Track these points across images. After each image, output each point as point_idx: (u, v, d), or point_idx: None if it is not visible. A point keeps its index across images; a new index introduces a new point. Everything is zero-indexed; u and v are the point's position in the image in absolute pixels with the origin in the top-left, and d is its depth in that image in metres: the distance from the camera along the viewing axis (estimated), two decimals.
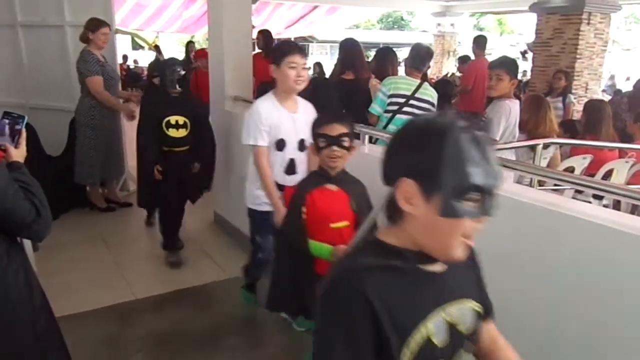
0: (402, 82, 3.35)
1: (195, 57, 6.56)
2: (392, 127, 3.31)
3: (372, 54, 9.27)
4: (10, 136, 1.55)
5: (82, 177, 4.55)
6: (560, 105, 5.94)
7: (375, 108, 3.40)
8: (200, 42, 18.19)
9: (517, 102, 3.43)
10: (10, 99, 5.27)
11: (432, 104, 3.28)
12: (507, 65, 3.35)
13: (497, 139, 3.30)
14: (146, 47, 16.42)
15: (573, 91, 7.00)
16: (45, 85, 5.10)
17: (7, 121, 1.56)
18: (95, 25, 4.33)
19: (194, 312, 3.04)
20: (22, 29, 5.04)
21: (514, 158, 3.28)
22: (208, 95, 4.90)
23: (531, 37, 8.92)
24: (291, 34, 14.19)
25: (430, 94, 3.31)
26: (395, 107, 3.29)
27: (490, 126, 3.30)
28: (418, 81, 3.29)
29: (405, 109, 3.27)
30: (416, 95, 3.26)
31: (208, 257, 3.77)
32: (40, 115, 5.05)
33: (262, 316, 2.98)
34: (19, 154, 1.56)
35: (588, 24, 7.59)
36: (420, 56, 3.38)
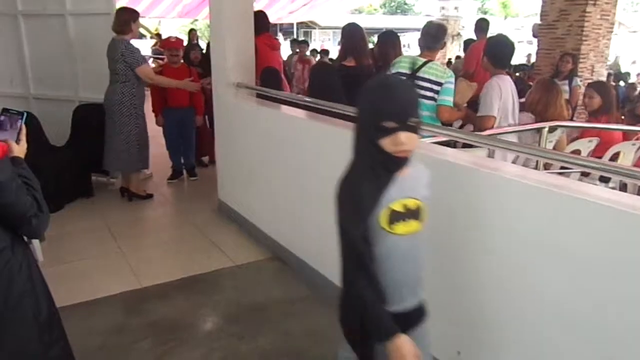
0: (405, 60, 3.31)
1: (162, 47, 6.27)
2: None
3: (374, 39, 9.24)
4: (10, 132, 1.57)
5: (133, 165, 4.54)
6: (566, 88, 5.89)
7: None
8: (202, 30, 18.10)
9: (504, 77, 3.43)
10: (13, 90, 5.27)
11: (437, 83, 3.19)
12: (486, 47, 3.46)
13: (494, 115, 3.32)
14: (148, 35, 16.37)
15: (579, 74, 6.93)
16: (48, 75, 5.10)
17: (6, 118, 1.57)
18: (136, 15, 4.36)
19: (201, 300, 3.05)
20: (23, 18, 5.02)
21: (515, 140, 3.27)
22: (176, 97, 4.93)
23: (536, 20, 8.82)
24: (293, 19, 14.10)
25: (434, 72, 3.21)
26: None
27: (485, 106, 3.35)
28: (423, 60, 3.23)
29: None
30: (418, 74, 3.20)
31: (213, 245, 3.78)
32: (43, 105, 5.07)
33: (269, 303, 2.99)
34: (19, 149, 1.57)
35: (594, 4, 7.49)
36: (431, 34, 3.31)
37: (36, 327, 1.61)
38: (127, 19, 4.28)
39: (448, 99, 3.21)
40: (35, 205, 1.51)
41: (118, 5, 4.87)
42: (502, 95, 3.38)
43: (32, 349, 1.60)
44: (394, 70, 3.31)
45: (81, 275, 3.28)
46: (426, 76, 3.19)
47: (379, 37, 4.47)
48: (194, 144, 5.35)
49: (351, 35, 3.97)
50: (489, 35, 6.27)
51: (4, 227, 1.51)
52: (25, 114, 1.61)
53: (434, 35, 3.30)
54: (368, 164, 1.41)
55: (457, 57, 11.18)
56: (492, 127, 3.40)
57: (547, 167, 3.26)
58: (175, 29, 21.15)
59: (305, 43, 10.55)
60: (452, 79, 3.22)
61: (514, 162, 3.09)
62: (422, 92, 3.18)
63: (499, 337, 2.01)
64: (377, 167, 1.40)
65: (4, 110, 1.58)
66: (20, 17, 5.01)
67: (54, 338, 1.70)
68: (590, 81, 6.37)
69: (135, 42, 4.45)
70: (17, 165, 1.53)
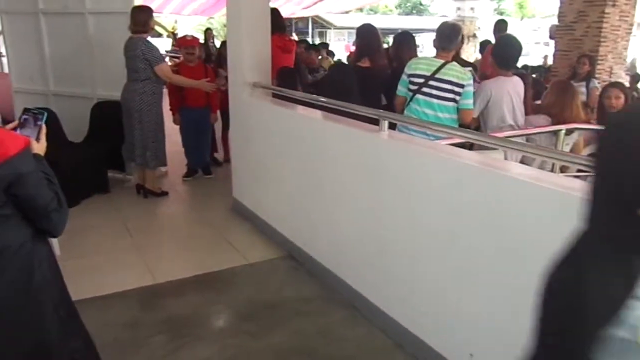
0: (423, 62, 3.29)
1: (178, 46, 6.21)
2: (412, 107, 3.28)
3: (390, 39, 9.17)
4: (32, 130, 1.61)
5: (151, 162, 4.57)
6: (583, 90, 5.82)
7: (399, 88, 3.40)
8: (218, 29, 18.20)
9: (504, 79, 3.49)
10: (33, 86, 5.36)
11: (458, 84, 3.17)
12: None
13: (474, 116, 3.45)
14: (165, 34, 16.48)
15: (597, 76, 6.85)
16: (67, 72, 5.17)
17: (29, 117, 1.61)
18: (151, 12, 4.43)
19: (214, 297, 3.07)
20: (44, 17, 5.09)
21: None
22: (193, 96, 4.96)
23: (553, 21, 8.73)
24: (306, 13, 14.10)
25: (455, 74, 3.19)
26: (415, 87, 3.25)
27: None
28: (441, 62, 3.22)
29: (425, 89, 3.21)
30: (437, 75, 3.19)
31: (227, 243, 3.81)
32: (62, 102, 5.14)
33: (282, 302, 3.00)
34: (40, 147, 1.60)
35: (613, 5, 7.39)
36: (446, 35, 3.30)
37: (57, 318, 1.64)
38: (145, 19, 4.32)
39: (471, 102, 3.22)
40: (55, 200, 1.54)
41: (136, 1, 4.91)
42: (491, 99, 3.45)
43: (53, 339, 1.63)
44: (410, 73, 3.30)
45: (97, 270, 3.32)
46: (447, 78, 3.16)
47: (394, 37, 4.46)
48: (209, 143, 5.39)
49: (366, 35, 3.97)
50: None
51: (25, 221, 1.54)
52: (45, 114, 1.64)
53: (448, 36, 3.28)
54: (614, 244, 0.92)
55: (476, 60, 11.10)
56: (472, 120, 3.49)
57: (563, 170, 3.24)
58: (191, 27, 21.30)
59: (324, 45, 10.24)
60: (472, 81, 3.22)
61: (523, 162, 3.07)
62: (444, 94, 3.17)
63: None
64: (632, 249, 0.90)
65: (25, 110, 1.62)
66: (41, 16, 5.09)
67: (74, 329, 1.73)
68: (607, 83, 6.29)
69: (152, 41, 4.49)
70: (37, 162, 1.56)
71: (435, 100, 3.18)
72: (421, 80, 3.21)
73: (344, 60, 9.49)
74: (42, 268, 1.60)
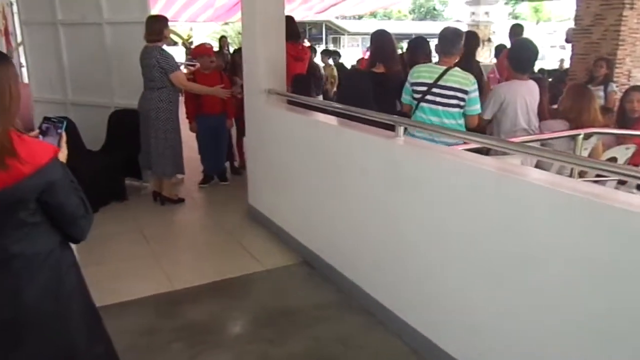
0: (424, 70, 3.28)
1: (194, 55, 6.15)
2: (418, 115, 3.27)
3: (404, 45, 9.11)
4: (52, 138, 1.62)
5: (168, 171, 4.61)
6: (601, 94, 5.75)
7: (404, 96, 3.41)
8: (233, 37, 18.36)
9: (517, 82, 3.50)
10: (52, 96, 5.45)
11: (462, 90, 3.14)
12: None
13: (487, 118, 3.51)
14: (180, 42, 16.67)
15: (614, 79, 6.76)
16: (85, 82, 5.25)
17: (50, 125, 1.63)
18: (167, 21, 4.47)
19: (231, 304, 3.08)
20: (62, 27, 5.19)
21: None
22: (210, 103, 4.97)
23: (570, 24, 8.65)
24: (319, 17, 14.17)
25: (457, 80, 3.16)
26: (418, 96, 3.25)
27: (484, 107, 3.45)
28: (443, 68, 3.20)
29: (428, 97, 3.20)
30: (439, 82, 3.17)
31: (244, 249, 3.82)
32: (80, 111, 5.22)
33: (298, 308, 3.00)
34: (61, 155, 1.62)
35: (631, 8, 7.30)
36: (448, 39, 3.27)
37: (84, 323, 1.67)
38: (160, 28, 4.36)
39: (477, 108, 3.19)
40: (82, 206, 1.58)
41: (152, 10, 4.97)
42: (504, 102, 3.45)
43: (80, 344, 1.66)
44: (412, 81, 3.29)
45: (115, 277, 3.35)
46: (449, 84, 3.14)
47: (409, 43, 4.46)
48: (225, 150, 5.42)
49: (380, 41, 3.97)
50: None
51: (54, 228, 1.56)
52: (65, 122, 1.66)
53: (450, 40, 3.26)
54: None
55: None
56: (478, 125, 3.49)
57: (582, 175, 3.20)
58: (206, 35, 21.52)
59: (337, 54, 10.09)
60: (476, 86, 3.18)
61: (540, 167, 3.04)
62: (448, 100, 3.15)
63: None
64: None
65: (45, 118, 1.64)
66: (59, 26, 5.18)
67: (98, 335, 1.76)
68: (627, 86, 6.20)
69: (167, 49, 4.54)
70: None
71: (440, 108, 3.17)
72: (424, 88, 3.21)
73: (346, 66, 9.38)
74: (69, 274, 1.63)
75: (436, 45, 3.38)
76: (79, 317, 1.65)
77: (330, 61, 9.35)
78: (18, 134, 1.43)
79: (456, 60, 3.26)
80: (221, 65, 5.87)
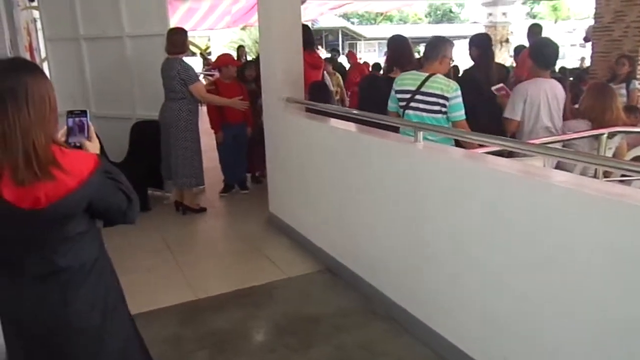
0: (408, 77, 3.27)
1: (215, 66, 6.14)
2: None
3: (421, 49, 9.03)
4: (81, 133, 1.57)
5: (188, 182, 4.67)
6: (623, 92, 5.66)
7: (390, 104, 3.42)
8: (250, 45, 18.49)
9: (540, 80, 3.47)
10: (75, 108, 5.55)
11: (443, 97, 3.11)
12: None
13: (517, 119, 3.47)
14: (198, 52, 16.85)
15: (638, 76, 6.63)
16: (107, 94, 5.35)
17: (74, 122, 1.57)
18: (186, 33, 4.56)
19: (254, 312, 3.10)
20: (85, 42, 5.30)
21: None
22: (233, 112, 4.99)
23: (589, 22, 8.53)
24: (333, 12, 14.23)
25: (439, 86, 3.13)
26: (403, 103, 3.25)
27: (508, 109, 3.50)
28: (426, 75, 3.18)
29: (412, 104, 3.19)
30: (422, 89, 3.16)
31: (265, 257, 3.83)
32: (103, 123, 5.30)
33: (321, 316, 3.00)
34: (93, 146, 1.57)
35: None
36: (432, 44, 3.26)
37: (131, 324, 1.71)
38: (181, 40, 4.45)
39: (461, 114, 3.14)
40: (125, 197, 1.55)
41: (171, 23, 5.05)
42: (527, 99, 3.43)
43: (131, 346, 1.70)
44: (397, 89, 3.29)
45: (139, 286, 3.37)
46: (431, 91, 3.13)
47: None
48: (245, 158, 5.46)
49: (397, 47, 3.97)
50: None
51: (95, 233, 1.57)
52: (87, 111, 1.61)
53: (434, 45, 3.25)
54: None
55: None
56: (515, 130, 3.50)
57: (606, 175, 3.14)
58: (223, 45, 21.71)
59: (336, 51, 9.92)
60: (458, 92, 3.13)
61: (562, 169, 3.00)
62: (431, 107, 3.14)
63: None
64: None
65: (68, 113, 1.58)
66: (82, 41, 5.29)
67: (141, 341, 1.80)
68: None
69: (187, 60, 4.61)
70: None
71: (425, 114, 3.16)
72: (408, 96, 3.21)
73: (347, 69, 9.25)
74: (113, 277, 1.65)
75: (422, 55, 3.40)
76: (128, 318, 1.67)
77: (330, 68, 9.17)
78: (58, 146, 1.42)
79: (440, 67, 3.21)
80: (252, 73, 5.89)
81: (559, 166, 3.13)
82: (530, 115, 3.45)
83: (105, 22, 5.13)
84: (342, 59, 11.29)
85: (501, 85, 3.90)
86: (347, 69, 9.42)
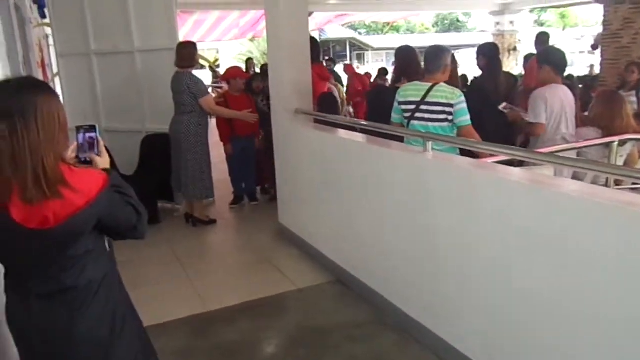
0: (411, 88, 3.28)
1: (224, 79, 6.10)
2: None
3: None
4: (90, 149, 1.57)
5: (198, 194, 4.71)
6: (633, 99, 5.61)
7: (394, 116, 3.42)
8: (258, 57, 18.63)
9: (557, 86, 3.49)
10: (86, 123, 5.61)
11: (448, 104, 3.11)
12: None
13: (543, 122, 3.45)
14: (207, 65, 16.99)
15: None
16: (118, 108, 5.41)
17: (83, 138, 1.57)
18: (196, 46, 4.61)
19: (265, 323, 3.09)
20: (96, 57, 5.37)
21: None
22: (242, 125, 5.02)
23: (597, 29, 8.51)
24: (340, 21, 14.32)
25: (443, 95, 3.14)
26: (408, 114, 3.25)
27: (533, 114, 3.48)
28: (429, 85, 3.19)
29: (417, 114, 3.19)
30: (426, 99, 3.17)
31: (275, 269, 3.83)
32: (113, 137, 5.36)
33: (332, 327, 2.99)
34: (104, 161, 1.57)
35: None
36: (432, 57, 3.26)
37: (139, 339, 1.70)
38: (191, 54, 4.50)
39: (467, 119, 3.14)
40: (134, 212, 1.55)
41: (180, 37, 5.11)
42: (547, 106, 3.43)
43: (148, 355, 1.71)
44: (400, 100, 3.30)
45: (150, 299, 3.39)
46: (436, 100, 3.13)
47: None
48: (254, 170, 5.48)
49: (405, 57, 3.99)
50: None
51: (103, 250, 1.56)
52: (96, 126, 1.61)
53: (433, 58, 3.25)
54: None
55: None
56: (540, 134, 3.48)
57: (618, 183, 3.12)
58: (232, 57, 21.88)
59: (332, 61, 9.91)
60: (463, 98, 3.13)
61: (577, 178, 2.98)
62: (437, 115, 3.14)
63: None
64: None
65: (77, 128, 1.57)
66: (93, 57, 5.36)
67: (151, 350, 1.79)
68: None
69: (196, 73, 4.65)
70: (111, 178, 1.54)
71: (430, 124, 3.16)
72: (412, 107, 3.21)
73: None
74: (122, 291, 1.65)
75: (424, 65, 3.40)
76: (137, 332, 1.67)
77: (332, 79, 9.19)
78: (67, 164, 1.42)
79: (443, 76, 3.22)
80: (259, 85, 5.92)
81: (574, 175, 3.11)
82: (549, 122, 3.43)
83: (115, 37, 5.20)
84: (338, 68, 11.32)
85: (505, 104, 3.91)
86: (343, 80, 9.40)
